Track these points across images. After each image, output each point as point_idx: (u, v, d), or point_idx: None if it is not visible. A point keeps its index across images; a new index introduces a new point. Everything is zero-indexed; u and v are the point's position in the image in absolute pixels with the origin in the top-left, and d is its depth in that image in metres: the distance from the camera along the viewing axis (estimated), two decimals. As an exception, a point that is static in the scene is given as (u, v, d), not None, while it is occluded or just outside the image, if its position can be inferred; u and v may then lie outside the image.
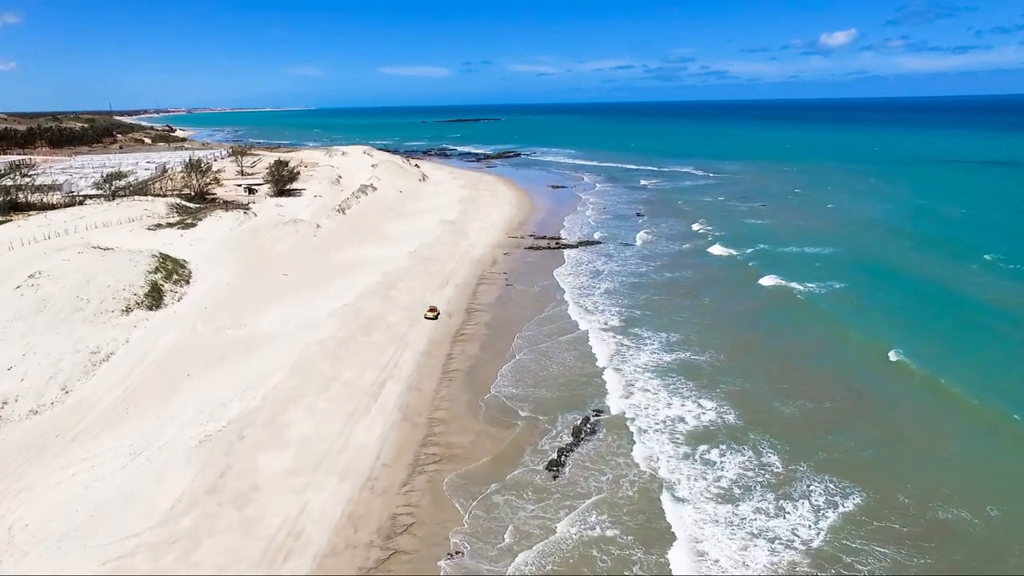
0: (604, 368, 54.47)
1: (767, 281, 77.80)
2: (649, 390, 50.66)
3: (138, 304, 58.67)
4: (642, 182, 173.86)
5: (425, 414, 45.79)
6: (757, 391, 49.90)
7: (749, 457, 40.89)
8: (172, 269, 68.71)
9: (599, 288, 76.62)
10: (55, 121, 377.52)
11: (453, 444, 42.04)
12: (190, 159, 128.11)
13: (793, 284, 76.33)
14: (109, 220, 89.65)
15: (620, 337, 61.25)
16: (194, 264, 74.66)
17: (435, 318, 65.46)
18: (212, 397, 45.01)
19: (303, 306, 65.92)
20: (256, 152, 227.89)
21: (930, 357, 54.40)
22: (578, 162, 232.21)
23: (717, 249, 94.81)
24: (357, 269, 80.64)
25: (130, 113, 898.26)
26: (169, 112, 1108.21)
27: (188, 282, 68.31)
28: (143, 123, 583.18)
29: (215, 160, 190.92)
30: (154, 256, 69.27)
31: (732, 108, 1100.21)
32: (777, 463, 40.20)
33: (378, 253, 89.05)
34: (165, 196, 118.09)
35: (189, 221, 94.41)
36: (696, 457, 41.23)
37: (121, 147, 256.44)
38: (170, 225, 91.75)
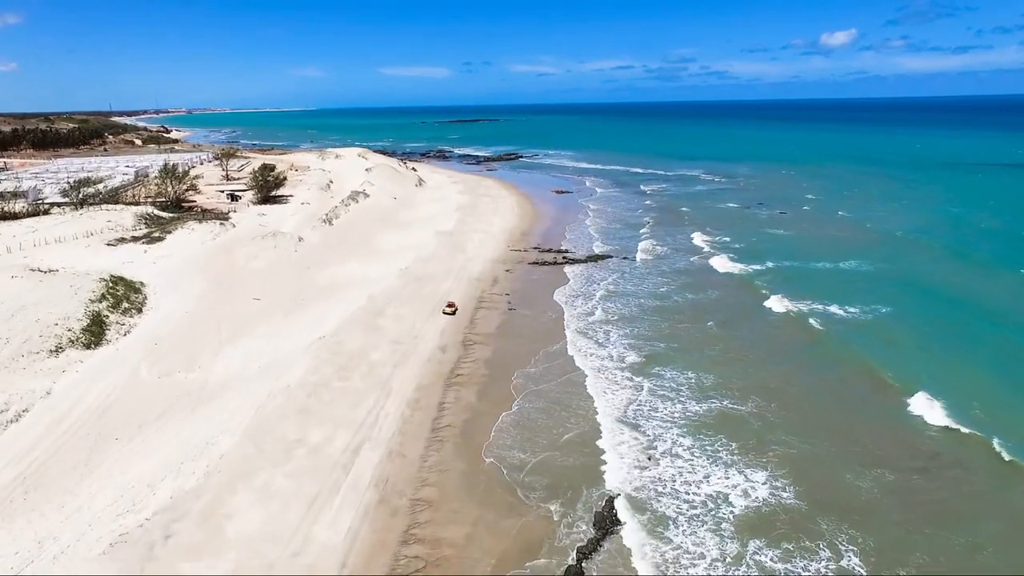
0: (623, 422, 45.34)
1: (803, 307, 68.47)
2: (680, 455, 41.45)
3: (72, 342, 49.50)
4: (650, 187, 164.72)
5: (408, 493, 36.60)
6: (819, 456, 40.70)
7: (825, 562, 31.67)
8: (123, 295, 59.52)
9: (612, 314, 67.44)
10: (47, 122, 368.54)
11: (442, 540, 32.87)
12: (165, 164, 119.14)
13: (833, 309, 67.16)
14: (65, 234, 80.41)
15: (640, 379, 52.08)
16: (152, 287, 65.47)
17: (453, 314, 65.78)
18: (140, 473, 35.83)
19: (273, 339, 56.78)
20: (246, 155, 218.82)
21: (1004, 414, 45.46)
22: (581, 165, 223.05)
23: (740, 266, 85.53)
24: (340, 291, 71.51)
25: (129, 113, 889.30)
26: (170, 112, 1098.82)
27: (141, 310, 59.11)
28: (140, 124, 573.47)
29: (200, 163, 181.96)
30: (103, 280, 60.10)
31: (734, 108, 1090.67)
32: (863, 573, 31.00)
33: (366, 271, 79.90)
34: (138, 204, 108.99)
35: (156, 234, 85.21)
36: (748, 560, 32.00)
37: (106, 149, 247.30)
38: (134, 239, 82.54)
